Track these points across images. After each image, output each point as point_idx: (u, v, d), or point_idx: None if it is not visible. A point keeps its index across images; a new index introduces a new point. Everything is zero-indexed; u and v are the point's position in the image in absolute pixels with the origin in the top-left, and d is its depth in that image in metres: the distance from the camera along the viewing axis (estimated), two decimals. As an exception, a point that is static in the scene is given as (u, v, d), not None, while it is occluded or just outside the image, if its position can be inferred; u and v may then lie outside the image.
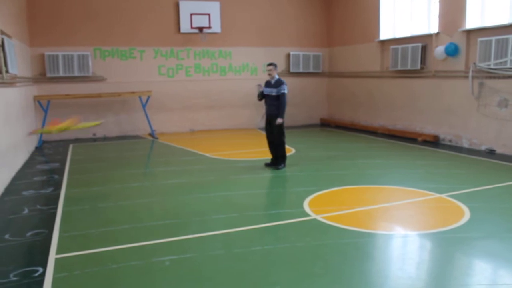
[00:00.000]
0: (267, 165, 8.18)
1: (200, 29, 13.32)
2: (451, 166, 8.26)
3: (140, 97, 12.49)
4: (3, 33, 7.43)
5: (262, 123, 8.69)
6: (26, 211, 5.76)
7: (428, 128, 11.17)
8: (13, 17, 9.35)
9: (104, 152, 10.65)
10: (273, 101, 7.92)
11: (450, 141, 10.58)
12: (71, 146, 11.25)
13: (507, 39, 8.87)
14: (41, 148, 11.03)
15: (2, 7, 7.50)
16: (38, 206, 5.97)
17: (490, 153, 9.39)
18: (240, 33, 14.13)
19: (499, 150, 9.36)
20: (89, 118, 12.55)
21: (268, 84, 8.02)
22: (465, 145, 10.16)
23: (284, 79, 8.34)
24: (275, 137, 8.02)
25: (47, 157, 9.88)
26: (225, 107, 14.16)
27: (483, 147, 9.70)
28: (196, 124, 13.88)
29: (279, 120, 7.84)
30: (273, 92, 7.89)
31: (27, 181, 7.48)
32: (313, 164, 8.56)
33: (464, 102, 10.04)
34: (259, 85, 8.20)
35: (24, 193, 6.70)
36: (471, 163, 8.56)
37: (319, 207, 5.66)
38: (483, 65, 9.38)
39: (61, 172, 8.14)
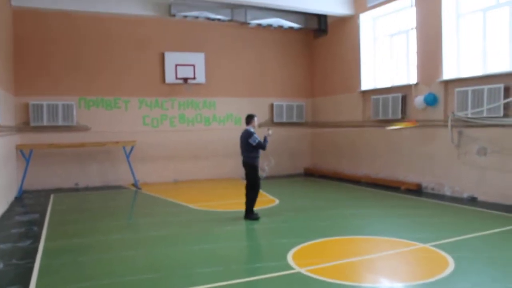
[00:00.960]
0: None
1: (185, 79, 13.53)
2: (435, 215, 8.29)
3: (124, 147, 12.45)
4: (-13, 84, 7.45)
5: (264, 174, 8.86)
6: (1, 265, 5.56)
7: (411, 177, 11.29)
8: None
9: (86, 202, 10.48)
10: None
11: (432, 189, 10.67)
12: (52, 196, 11.05)
13: (482, 90, 9.19)
14: (21, 198, 10.82)
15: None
16: (14, 260, 5.78)
17: (472, 200, 9.49)
18: (224, 84, 14.37)
19: (480, 198, 9.47)
20: (71, 168, 12.48)
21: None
22: (448, 193, 10.26)
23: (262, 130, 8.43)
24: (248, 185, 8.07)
25: (27, 208, 9.68)
26: (209, 157, 14.16)
27: (465, 195, 9.80)
28: (180, 174, 13.81)
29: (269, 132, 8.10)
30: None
31: (4, 234, 7.27)
32: (297, 215, 8.51)
33: (445, 150, 10.22)
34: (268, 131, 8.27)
35: (1, 246, 6.50)
36: (454, 211, 8.61)
37: (303, 259, 5.59)
38: (461, 114, 9.64)
39: (40, 223, 7.95)
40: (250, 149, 7.98)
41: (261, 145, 7.94)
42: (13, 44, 11.79)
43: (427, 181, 10.83)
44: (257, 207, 8.25)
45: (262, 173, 8.50)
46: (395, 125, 10.70)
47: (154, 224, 8.00)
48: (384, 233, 6.91)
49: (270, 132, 8.23)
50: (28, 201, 10.43)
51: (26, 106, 12.03)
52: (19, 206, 9.85)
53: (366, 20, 13.05)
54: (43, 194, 11.27)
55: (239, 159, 13.75)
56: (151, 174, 13.35)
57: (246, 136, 7.99)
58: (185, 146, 13.91)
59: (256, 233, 7.41)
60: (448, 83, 10.23)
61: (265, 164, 8.94)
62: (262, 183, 8.34)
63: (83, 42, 12.74)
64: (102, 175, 12.89)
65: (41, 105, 12.04)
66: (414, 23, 11.19)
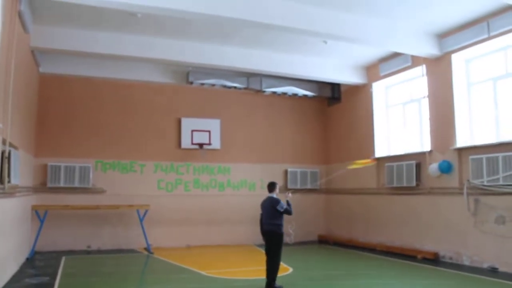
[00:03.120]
0: None
1: (201, 145, 13.76)
2: (455, 286, 8.01)
3: (138, 210, 12.47)
4: (11, 145, 7.68)
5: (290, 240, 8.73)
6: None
7: (428, 245, 11.01)
8: (23, 129, 9.72)
9: (97, 266, 10.36)
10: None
11: (450, 258, 10.36)
12: (63, 258, 10.95)
13: (497, 157, 9.16)
14: (32, 260, 10.74)
15: (13, 120, 7.85)
16: (22, 322, 5.67)
17: (493, 271, 9.15)
18: (239, 150, 14.55)
19: (502, 268, 9.13)
20: (84, 230, 12.47)
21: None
22: (466, 262, 9.93)
23: (280, 195, 8.35)
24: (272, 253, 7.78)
25: (37, 270, 9.58)
26: (222, 223, 14.04)
27: (485, 265, 9.47)
28: (193, 239, 13.66)
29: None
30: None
31: (14, 295, 7.18)
32: (312, 285, 8.25)
33: (462, 218, 10.03)
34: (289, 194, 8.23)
35: (9, 308, 6.39)
36: (474, 282, 8.31)
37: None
38: (476, 182, 9.56)
39: (50, 287, 7.83)
40: (276, 216, 7.76)
41: (288, 211, 7.77)
42: (37, 107, 12.24)
43: (445, 250, 10.54)
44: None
45: (289, 239, 8.31)
46: (355, 164, 10.48)
47: (164, 288, 7.84)
48: (401, 302, 6.66)
49: (290, 195, 8.18)
50: (39, 263, 10.35)
51: (45, 167, 12.28)
52: (29, 268, 9.75)
53: (379, 89, 13.36)
54: (55, 256, 11.18)
55: (252, 226, 13.64)
56: (164, 238, 13.23)
57: (273, 203, 7.79)
58: (199, 211, 13.86)
59: (268, 300, 7.18)
60: (462, 150, 10.24)
61: (289, 228, 8.81)
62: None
63: (102, 107, 13.20)
64: (115, 238, 12.82)
65: (59, 167, 12.28)
66: (426, 92, 11.42)
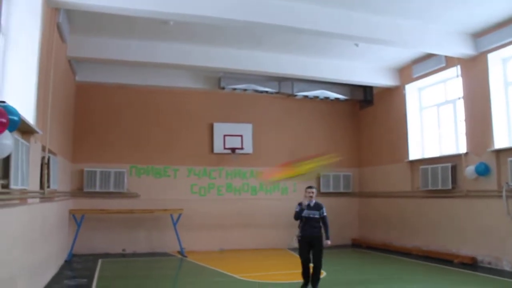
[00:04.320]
0: None
1: (233, 149, 13.86)
2: (493, 291, 7.79)
3: (171, 215, 12.65)
4: (50, 151, 7.95)
5: (294, 244, 8.65)
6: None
7: (464, 250, 10.73)
8: (60, 136, 10.04)
9: (132, 269, 10.57)
10: (316, 224, 7.89)
11: (489, 263, 10.07)
12: (100, 261, 11.22)
13: (537, 159, 8.86)
14: (70, 262, 11.04)
15: (52, 127, 8.12)
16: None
17: (534, 277, 8.85)
18: (271, 154, 14.54)
19: (543, 275, 8.82)
20: (119, 234, 12.74)
21: (308, 207, 7.97)
22: (507, 268, 9.62)
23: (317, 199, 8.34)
24: (316, 260, 7.80)
25: (75, 272, 9.85)
26: (255, 227, 14.07)
27: (526, 271, 9.18)
28: (226, 243, 13.74)
29: (328, 242, 7.83)
30: (315, 214, 7.87)
31: (54, 297, 7.40)
32: (345, 288, 8.20)
33: (501, 222, 9.73)
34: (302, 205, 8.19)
35: (50, 308, 6.59)
36: (514, 288, 8.05)
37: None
38: (516, 185, 9.27)
39: (88, 289, 8.06)
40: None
41: (295, 217, 7.94)
42: (74, 115, 12.62)
43: (483, 255, 10.25)
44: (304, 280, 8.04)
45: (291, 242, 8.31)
46: (273, 178, 9.49)
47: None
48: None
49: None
50: (77, 266, 10.63)
51: (81, 173, 12.63)
52: (68, 270, 10.04)
53: (412, 91, 13.15)
54: (91, 259, 11.46)
55: (284, 230, 13.69)
56: (197, 242, 13.36)
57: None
58: (232, 215, 13.94)
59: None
60: (499, 152, 9.95)
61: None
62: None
63: (136, 113, 13.47)
64: (149, 241, 13.04)
65: (95, 172, 12.61)
66: (461, 93, 11.17)
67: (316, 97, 14.30)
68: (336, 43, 11.20)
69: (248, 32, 10.60)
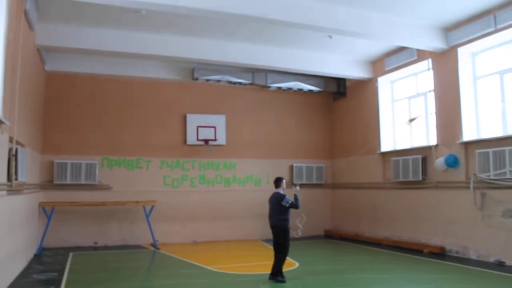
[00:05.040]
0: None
1: (206, 141, 13.79)
2: (461, 280, 8.00)
3: (144, 207, 12.52)
4: (17, 142, 7.73)
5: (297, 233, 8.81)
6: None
7: (434, 239, 10.99)
8: (29, 126, 9.78)
9: (104, 262, 10.42)
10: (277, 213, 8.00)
11: (457, 252, 10.35)
12: (71, 254, 11.03)
13: (503, 151, 9.12)
14: (40, 256, 10.82)
15: (20, 118, 7.90)
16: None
17: (500, 265, 9.13)
18: (244, 145, 14.56)
19: (508, 262, 9.11)
20: (91, 226, 12.55)
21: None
22: (473, 256, 9.91)
23: (287, 190, 8.41)
24: (280, 247, 7.92)
25: (45, 266, 9.66)
26: (228, 218, 14.08)
27: (492, 259, 9.45)
28: (199, 235, 13.71)
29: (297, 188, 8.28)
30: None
31: (22, 291, 7.25)
32: (319, 279, 8.26)
33: (468, 212, 10.00)
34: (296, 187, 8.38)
35: (18, 303, 6.45)
36: (481, 276, 8.29)
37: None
38: (483, 176, 9.52)
39: (58, 283, 7.88)
40: (283, 211, 7.90)
41: (294, 205, 7.91)
42: (43, 105, 12.29)
43: (451, 244, 10.53)
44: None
45: (296, 233, 8.46)
46: None
47: (172, 286, 7.89)
48: (407, 296, 6.66)
49: (298, 188, 8.37)
50: (47, 259, 10.43)
51: (51, 164, 12.36)
52: (37, 264, 9.84)
53: (384, 83, 13.32)
54: (62, 252, 11.26)
55: (258, 221, 13.75)
56: (170, 234, 13.29)
57: (278, 199, 7.93)
58: (205, 207, 13.90)
59: (275, 295, 7.21)
60: (468, 144, 10.20)
61: (298, 222, 8.86)
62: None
63: (108, 104, 13.24)
64: (121, 234, 12.90)
65: (66, 164, 12.35)
66: (432, 86, 11.36)
67: (290, 88, 14.31)
68: (309, 35, 11.22)
69: (220, 23, 10.50)
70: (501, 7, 9.39)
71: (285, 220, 7.91)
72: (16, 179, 7.77)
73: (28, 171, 9.27)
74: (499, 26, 9.43)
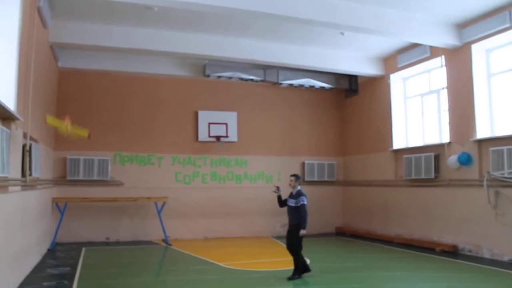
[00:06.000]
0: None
1: (218, 137, 13.81)
2: (474, 279, 7.93)
3: (155, 203, 12.60)
4: (31, 138, 7.81)
5: (283, 231, 8.76)
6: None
7: (446, 238, 10.90)
8: (43, 123, 9.85)
9: (116, 257, 10.51)
10: (293, 212, 7.98)
11: (470, 251, 10.25)
12: (83, 249, 11.15)
13: (518, 149, 9.00)
14: (53, 251, 10.94)
15: (33, 114, 7.97)
16: (45, 311, 5.79)
17: (513, 264, 9.05)
18: (256, 142, 14.56)
19: (522, 262, 9.02)
20: (103, 222, 12.65)
21: (290, 195, 8.13)
22: (486, 255, 9.82)
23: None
24: (293, 247, 7.92)
25: (59, 261, 9.76)
26: (240, 215, 14.10)
27: (505, 258, 9.35)
28: (211, 231, 13.75)
29: (302, 232, 7.81)
30: (292, 203, 7.97)
31: (36, 287, 7.33)
32: (329, 277, 8.24)
33: (481, 211, 9.90)
34: (277, 188, 8.31)
35: (32, 297, 6.53)
36: (494, 275, 8.20)
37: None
38: (497, 174, 9.41)
39: (71, 277, 7.97)
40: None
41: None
42: (56, 101, 12.40)
43: (464, 243, 10.43)
44: (288, 268, 8.10)
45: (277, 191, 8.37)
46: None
47: (181, 282, 7.94)
48: (419, 295, 6.62)
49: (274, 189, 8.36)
50: (60, 254, 10.54)
51: (64, 160, 12.48)
52: (51, 259, 9.95)
53: (396, 80, 13.22)
54: (75, 247, 11.38)
55: (270, 218, 13.76)
56: (181, 230, 13.35)
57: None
58: (216, 203, 13.94)
59: (286, 292, 7.21)
60: (481, 142, 10.09)
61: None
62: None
63: (120, 100, 13.32)
64: (133, 230, 12.99)
65: (78, 160, 12.47)
66: (445, 83, 11.25)
67: (301, 85, 14.27)
68: (321, 31, 11.17)
69: (233, 19, 10.50)
70: (516, 3, 9.26)
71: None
72: (30, 174, 7.87)
73: (41, 167, 9.37)
74: (514, 23, 9.30)
